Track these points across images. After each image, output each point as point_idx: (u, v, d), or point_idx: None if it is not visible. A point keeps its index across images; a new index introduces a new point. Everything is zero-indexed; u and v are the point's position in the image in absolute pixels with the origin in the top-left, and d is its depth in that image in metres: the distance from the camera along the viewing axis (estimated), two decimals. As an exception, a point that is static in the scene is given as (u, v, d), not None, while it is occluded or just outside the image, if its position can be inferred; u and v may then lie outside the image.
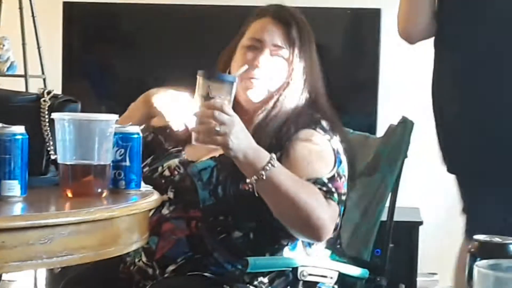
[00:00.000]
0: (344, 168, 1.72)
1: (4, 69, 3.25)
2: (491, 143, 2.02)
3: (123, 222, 1.36)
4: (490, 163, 2.03)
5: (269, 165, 1.57)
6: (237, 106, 1.67)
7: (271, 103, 1.75)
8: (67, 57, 3.27)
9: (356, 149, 1.82)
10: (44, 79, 3.24)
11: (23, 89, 3.11)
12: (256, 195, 1.61)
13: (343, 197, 1.69)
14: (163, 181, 1.74)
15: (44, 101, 1.51)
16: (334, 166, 1.69)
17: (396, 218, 1.92)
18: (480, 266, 1.00)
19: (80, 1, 3.33)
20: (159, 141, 1.85)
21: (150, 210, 1.50)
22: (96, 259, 1.33)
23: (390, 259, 1.88)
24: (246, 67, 1.73)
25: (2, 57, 3.23)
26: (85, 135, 1.40)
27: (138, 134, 1.50)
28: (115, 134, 1.44)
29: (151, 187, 1.66)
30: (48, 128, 1.49)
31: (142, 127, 1.71)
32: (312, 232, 1.63)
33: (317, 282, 1.70)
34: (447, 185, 2.18)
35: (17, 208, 1.33)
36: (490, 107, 2.01)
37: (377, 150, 1.92)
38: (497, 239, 1.18)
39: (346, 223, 1.79)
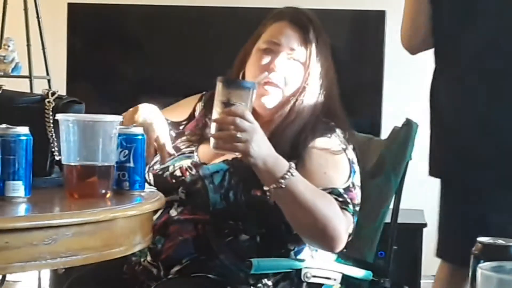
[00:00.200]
0: (358, 178, 1.72)
1: (9, 70, 3.26)
2: (467, 151, 2.07)
3: (126, 223, 1.36)
4: (467, 171, 2.08)
5: (289, 173, 1.57)
6: (251, 111, 1.66)
7: (287, 109, 1.74)
8: (72, 58, 3.28)
9: (360, 151, 1.82)
10: (48, 80, 3.25)
11: (28, 90, 3.12)
12: (273, 203, 1.61)
13: (357, 208, 1.69)
14: (173, 181, 1.73)
15: (49, 102, 1.51)
16: (349, 176, 1.69)
17: (400, 220, 1.92)
18: (483, 268, 1.00)
19: (84, 2, 3.33)
20: (171, 137, 1.85)
21: (154, 211, 1.50)
22: (100, 260, 1.33)
23: (393, 261, 1.88)
24: (266, 74, 1.72)
25: (7, 58, 3.24)
26: (89, 136, 1.40)
27: (142, 135, 1.50)
28: (119, 135, 1.45)
29: (155, 188, 1.66)
30: (53, 129, 1.50)
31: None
32: (327, 242, 1.63)
33: (322, 284, 1.70)
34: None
35: (21, 209, 1.34)
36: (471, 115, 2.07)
37: (382, 152, 1.92)
38: (500, 241, 1.18)
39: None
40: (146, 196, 1.49)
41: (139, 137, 1.49)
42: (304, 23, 1.77)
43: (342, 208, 1.64)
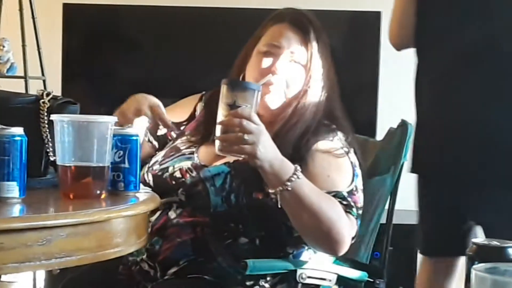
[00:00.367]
0: (361, 181, 1.72)
1: (4, 70, 3.25)
2: (451, 145, 2.13)
3: (121, 224, 1.36)
4: (450, 165, 2.14)
5: (295, 176, 1.57)
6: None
7: (289, 111, 1.73)
8: (67, 58, 3.27)
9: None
10: (44, 81, 3.24)
11: (23, 91, 3.12)
12: (274, 206, 1.60)
13: (360, 211, 1.69)
14: (173, 182, 1.73)
15: (43, 102, 1.51)
16: (353, 179, 1.69)
17: (395, 221, 1.92)
18: (478, 269, 1.00)
19: (80, 3, 3.33)
20: (171, 136, 1.84)
21: (148, 212, 1.50)
22: (94, 261, 1.33)
23: (389, 262, 1.88)
24: (270, 76, 1.71)
25: (2, 59, 3.23)
26: (84, 137, 1.40)
27: (137, 136, 1.50)
28: (114, 136, 1.44)
29: (150, 189, 1.66)
30: (47, 130, 1.49)
31: (149, 121, 1.72)
32: (331, 245, 1.63)
33: (318, 286, 1.70)
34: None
35: (16, 210, 1.33)
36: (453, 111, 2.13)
37: (377, 153, 1.92)
38: (495, 242, 1.18)
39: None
40: (141, 197, 1.49)
41: (134, 137, 1.49)
42: (304, 25, 1.76)
43: (346, 212, 1.64)
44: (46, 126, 1.49)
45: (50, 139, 1.48)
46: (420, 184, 2.21)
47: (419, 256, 2.90)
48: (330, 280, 1.70)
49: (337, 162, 1.69)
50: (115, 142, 1.46)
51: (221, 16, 3.24)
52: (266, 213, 1.65)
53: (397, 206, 1.92)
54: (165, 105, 1.94)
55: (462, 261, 2.33)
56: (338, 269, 1.72)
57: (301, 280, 1.66)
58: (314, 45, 1.75)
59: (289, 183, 1.56)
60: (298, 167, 1.59)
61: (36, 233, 1.22)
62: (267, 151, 1.55)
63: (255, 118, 1.54)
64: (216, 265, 1.66)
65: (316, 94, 1.75)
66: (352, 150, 1.73)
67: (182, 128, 1.86)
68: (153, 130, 1.85)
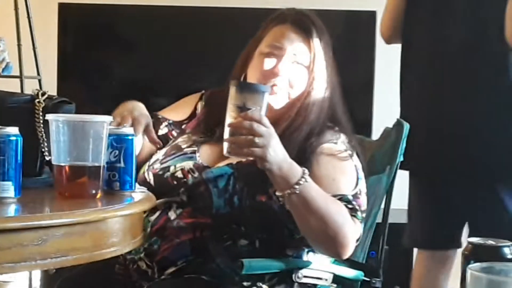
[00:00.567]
0: (364, 184, 1.71)
1: (-1, 70, 3.24)
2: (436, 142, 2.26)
3: (117, 223, 1.36)
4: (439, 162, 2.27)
5: (303, 179, 1.56)
6: None
7: (293, 112, 1.72)
8: (63, 58, 3.27)
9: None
10: (39, 80, 3.23)
11: (19, 90, 3.11)
12: (277, 209, 1.60)
13: (364, 215, 1.68)
14: (175, 182, 1.71)
15: (39, 102, 1.51)
16: (357, 183, 1.69)
17: (391, 220, 1.92)
18: (473, 269, 1.00)
19: (75, 2, 3.32)
20: (172, 135, 1.84)
21: (144, 212, 1.50)
22: (90, 261, 1.33)
23: (385, 261, 1.88)
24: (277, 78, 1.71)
25: (-2, 58, 3.23)
26: (80, 137, 1.40)
27: (132, 135, 1.50)
28: (109, 135, 1.44)
29: (145, 188, 1.66)
30: (43, 129, 1.49)
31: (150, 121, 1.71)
32: (337, 249, 1.62)
33: (315, 285, 1.70)
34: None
35: (11, 210, 1.33)
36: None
37: (373, 153, 1.92)
38: (490, 242, 1.18)
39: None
40: (136, 197, 1.48)
41: (130, 137, 1.49)
42: (307, 25, 1.75)
43: (351, 216, 1.63)
44: (42, 125, 1.49)
45: (45, 139, 1.48)
46: (410, 178, 2.29)
47: (415, 255, 2.92)
48: (326, 280, 1.70)
49: (342, 165, 1.69)
50: (111, 142, 1.45)
51: (217, 16, 3.23)
52: (269, 216, 1.64)
53: (392, 205, 1.92)
54: (162, 105, 1.94)
55: (457, 254, 2.39)
56: (334, 269, 1.72)
57: (298, 280, 1.66)
58: (317, 46, 1.74)
59: (297, 187, 1.55)
60: (306, 171, 1.58)
61: (31, 233, 1.22)
62: (277, 154, 1.54)
63: (265, 120, 1.53)
64: (215, 266, 1.65)
65: (319, 95, 1.74)
66: (355, 153, 1.73)
67: (183, 126, 1.86)
68: (154, 129, 1.84)
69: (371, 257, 1.90)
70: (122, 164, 1.46)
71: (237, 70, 1.80)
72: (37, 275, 3.04)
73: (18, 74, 3.16)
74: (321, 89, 1.75)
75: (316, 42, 1.74)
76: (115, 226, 1.35)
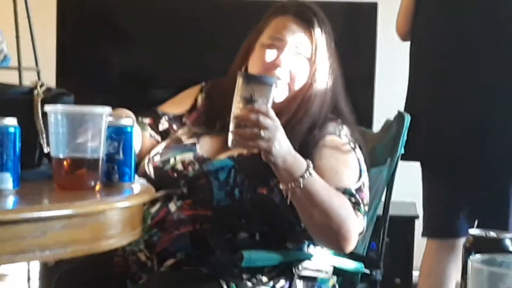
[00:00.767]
0: (367, 177, 1.71)
1: (-3, 61, 3.23)
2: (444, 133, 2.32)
3: (116, 215, 1.35)
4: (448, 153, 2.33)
5: (307, 173, 1.55)
6: None
7: (295, 105, 1.72)
8: (62, 49, 3.26)
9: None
10: (38, 72, 3.23)
11: (17, 82, 3.10)
12: (278, 202, 1.60)
13: (367, 208, 1.68)
14: (175, 174, 1.71)
15: (37, 94, 1.50)
16: (360, 176, 1.68)
17: (392, 212, 1.92)
18: (474, 260, 1.00)
19: (74, -7, 3.31)
20: (173, 130, 1.83)
21: (143, 203, 1.49)
22: (89, 253, 1.32)
23: (385, 253, 1.88)
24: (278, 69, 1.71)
25: (-4, 50, 3.22)
26: (78, 128, 1.39)
27: (131, 127, 1.49)
28: (108, 127, 1.43)
29: (145, 179, 1.65)
30: (41, 121, 1.48)
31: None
32: (340, 243, 1.62)
33: (316, 278, 1.69)
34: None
35: (10, 201, 1.32)
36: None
37: (374, 145, 1.92)
38: (492, 233, 1.18)
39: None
40: (135, 189, 1.48)
41: (129, 129, 1.48)
42: (308, 17, 1.74)
43: (354, 209, 1.63)
44: (40, 117, 1.48)
45: (44, 130, 1.48)
46: (422, 170, 2.35)
47: (416, 248, 2.93)
48: (326, 272, 1.69)
49: (345, 158, 1.68)
50: (110, 134, 1.45)
51: (218, 8, 3.22)
52: (270, 208, 1.64)
53: (393, 198, 1.91)
54: (161, 97, 1.94)
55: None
56: (335, 261, 1.72)
57: (298, 272, 1.65)
58: (319, 37, 1.73)
59: (301, 180, 1.54)
60: (311, 164, 1.57)
61: (30, 225, 1.21)
62: (282, 147, 1.53)
63: (272, 113, 1.52)
64: (214, 259, 1.65)
65: (321, 87, 1.73)
66: (357, 145, 1.72)
67: (183, 119, 1.85)
68: (154, 125, 1.84)
69: (372, 249, 1.90)
70: (121, 156, 1.46)
71: (238, 62, 1.79)
72: (35, 268, 3.04)
73: (16, 65, 3.16)
74: (323, 81, 1.74)
75: (317, 33, 1.73)
76: (114, 218, 1.35)
